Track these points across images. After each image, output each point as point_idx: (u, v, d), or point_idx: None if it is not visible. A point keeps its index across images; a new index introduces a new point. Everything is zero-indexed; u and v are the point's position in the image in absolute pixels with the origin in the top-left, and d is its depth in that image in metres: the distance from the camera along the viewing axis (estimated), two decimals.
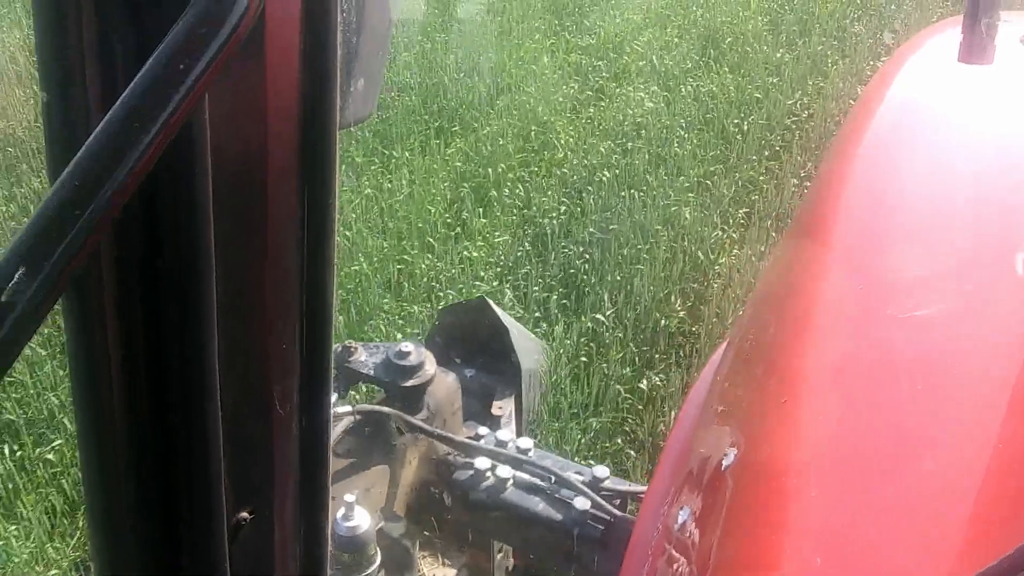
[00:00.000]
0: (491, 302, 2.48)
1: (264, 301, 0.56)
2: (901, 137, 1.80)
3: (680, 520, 1.26)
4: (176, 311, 0.49)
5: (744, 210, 4.44)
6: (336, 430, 1.90)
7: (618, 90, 5.54)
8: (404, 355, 2.02)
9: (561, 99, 5.45)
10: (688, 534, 1.23)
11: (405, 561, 1.97)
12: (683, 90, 5.48)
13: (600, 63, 5.86)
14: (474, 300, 2.63)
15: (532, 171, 4.82)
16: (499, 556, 2.31)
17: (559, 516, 1.93)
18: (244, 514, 0.60)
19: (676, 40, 6.09)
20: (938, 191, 1.61)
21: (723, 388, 1.52)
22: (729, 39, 6.10)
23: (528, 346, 2.54)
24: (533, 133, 5.10)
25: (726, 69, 5.70)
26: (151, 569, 0.56)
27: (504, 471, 1.99)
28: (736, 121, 5.10)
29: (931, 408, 1.21)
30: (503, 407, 2.33)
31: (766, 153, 4.87)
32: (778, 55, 5.81)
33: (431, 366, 2.03)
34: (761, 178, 4.66)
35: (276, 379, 0.58)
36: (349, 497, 1.76)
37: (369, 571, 1.80)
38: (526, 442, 2.06)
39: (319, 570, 0.68)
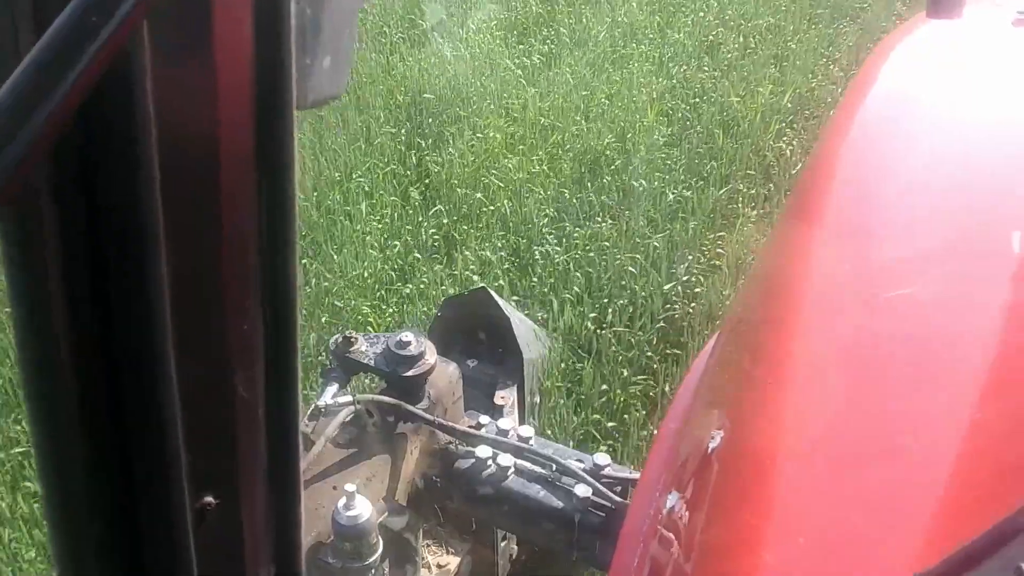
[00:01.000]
0: (492, 292, 2.51)
1: (221, 283, 0.55)
2: (890, 125, 1.81)
3: (669, 504, 1.27)
4: (125, 289, 0.49)
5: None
6: (336, 420, 1.93)
7: (457, 253, 4.20)
8: (404, 345, 2.04)
9: (379, 267, 4.11)
10: (678, 518, 1.24)
11: (407, 550, 2.05)
12: (536, 254, 4.13)
13: (448, 204, 4.52)
14: (476, 290, 2.68)
15: (307, 392, 3.48)
16: (503, 543, 2.36)
17: (560, 504, 1.97)
18: (208, 499, 0.59)
19: (547, 169, 4.75)
20: (928, 177, 1.62)
21: (714, 373, 1.54)
22: (618, 162, 4.76)
23: (530, 336, 2.54)
24: (320, 334, 3.76)
25: (599, 219, 4.35)
26: (111, 554, 0.55)
27: (505, 459, 2.04)
28: (595, 314, 3.76)
29: (916, 392, 1.22)
30: (506, 397, 2.36)
31: (625, 372, 3.52)
32: (672, 194, 4.46)
33: (431, 356, 2.05)
34: (622, 409, 3.32)
35: (238, 363, 0.58)
36: (350, 487, 1.79)
37: (371, 560, 1.83)
38: (527, 430, 2.11)
39: (293, 562, 0.66)
